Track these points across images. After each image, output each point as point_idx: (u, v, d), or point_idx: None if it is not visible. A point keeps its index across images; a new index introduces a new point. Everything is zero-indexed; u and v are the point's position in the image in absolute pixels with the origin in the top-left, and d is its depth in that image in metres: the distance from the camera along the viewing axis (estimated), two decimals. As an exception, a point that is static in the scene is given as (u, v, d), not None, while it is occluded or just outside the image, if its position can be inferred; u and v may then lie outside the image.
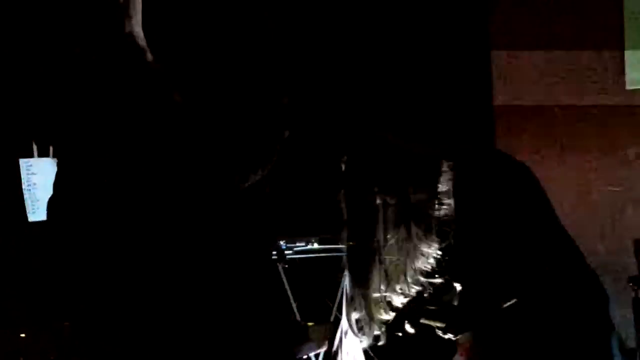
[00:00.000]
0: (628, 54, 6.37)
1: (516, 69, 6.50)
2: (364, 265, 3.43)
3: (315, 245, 5.48)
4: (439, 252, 3.34)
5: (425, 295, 3.39)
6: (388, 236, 3.33)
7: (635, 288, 5.89)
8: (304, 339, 5.22)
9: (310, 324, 5.29)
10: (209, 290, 3.07)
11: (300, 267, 5.55)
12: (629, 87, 6.37)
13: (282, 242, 5.51)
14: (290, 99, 3.15)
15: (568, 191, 6.35)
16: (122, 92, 2.81)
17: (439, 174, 3.31)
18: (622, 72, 6.40)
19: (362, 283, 3.50)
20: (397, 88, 6.23)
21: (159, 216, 2.93)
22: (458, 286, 3.40)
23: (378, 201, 3.32)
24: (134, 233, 2.91)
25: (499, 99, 6.54)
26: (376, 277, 3.46)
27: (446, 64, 6.32)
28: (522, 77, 6.55)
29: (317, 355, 5.32)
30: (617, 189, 6.37)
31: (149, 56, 2.76)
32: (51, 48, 2.85)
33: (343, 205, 3.45)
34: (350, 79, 6.18)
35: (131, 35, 2.74)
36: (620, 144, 6.44)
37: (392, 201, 3.31)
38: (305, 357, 5.24)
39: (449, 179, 3.35)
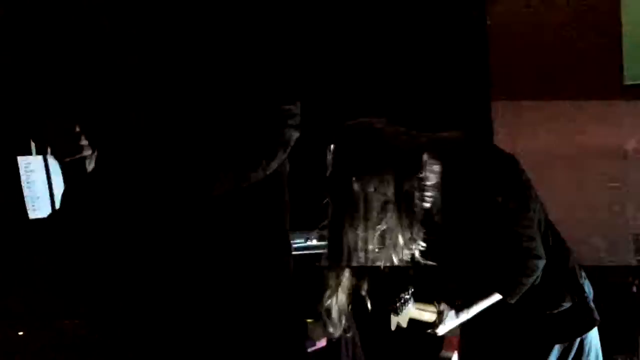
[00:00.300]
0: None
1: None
2: (342, 256, 3.44)
3: (314, 242, 5.49)
4: (424, 243, 3.36)
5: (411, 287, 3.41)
6: (371, 226, 3.34)
7: (637, 282, 5.91)
8: (302, 335, 5.23)
9: (309, 320, 5.30)
10: (212, 288, 3.09)
11: (299, 264, 5.57)
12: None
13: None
14: (300, 102, 3.18)
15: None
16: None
17: (424, 165, 3.33)
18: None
19: (338, 273, 3.52)
20: (391, 79, 6.24)
21: (160, 213, 2.95)
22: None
23: (362, 191, 3.33)
24: (139, 230, 2.93)
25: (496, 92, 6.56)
26: (354, 267, 3.48)
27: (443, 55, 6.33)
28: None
29: (316, 351, 5.33)
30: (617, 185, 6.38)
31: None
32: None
33: (328, 195, 3.46)
34: (344, 70, 6.19)
35: None
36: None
37: (376, 191, 3.32)
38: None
39: (436, 171, 3.37)
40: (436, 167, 3.35)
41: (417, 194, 3.32)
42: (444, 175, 3.37)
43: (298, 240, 5.47)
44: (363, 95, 6.20)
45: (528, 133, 6.51)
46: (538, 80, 6.55)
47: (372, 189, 3.32)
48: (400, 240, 3.33)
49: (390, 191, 3.32)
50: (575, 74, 6.47)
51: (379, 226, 3.34)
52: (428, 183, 3.33)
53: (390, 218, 3.34)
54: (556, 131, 6.50)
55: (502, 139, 6.32)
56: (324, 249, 3.64)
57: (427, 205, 3.35)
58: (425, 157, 3.35)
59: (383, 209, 3.34)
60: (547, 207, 3.75)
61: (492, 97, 6.57)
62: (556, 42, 6.49)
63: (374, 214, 3.34)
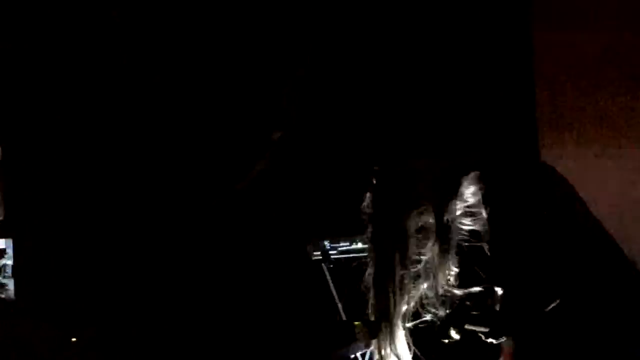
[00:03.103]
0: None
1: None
2: (387, 279, 3.42)
3: (360, 245, 5.45)
4: (473, 262, 3.32)
5: (467, 302, 3.36)
6: (415, 251, 3.32)
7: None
8: (350, 338, 5.18)
9: (356, 322, 5.25)
10: (249, 291, 3.06)
11: (345, 267, 5.56)
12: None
13: (326, 242, 5.52)
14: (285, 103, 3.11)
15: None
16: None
17: (467, 186, 3.29)
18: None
19: (384, 297, 3.49)
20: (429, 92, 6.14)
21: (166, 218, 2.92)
22: (499, 290, 3.37)
23: (402, 227, 3.32)
24: (139, 236, 2.90)
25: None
26: (397, 290, 3.44)
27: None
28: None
29: (363, 355, 5.28)
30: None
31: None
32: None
33: (369, 217, 3.45)
34: (379, 83, 6.11)
35: None
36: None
37: (422, 216, 3.30)
38: (352, 356, 5.21)
39: (479, 190, 3.32)
40: (474, 189, 3.32)
41: (458, 221, 3.29)
42: (485, 196, 3.34)
43: (343, 244, 5.46)
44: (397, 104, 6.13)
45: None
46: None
47: (412, 224, 3.31)
48: (445, 264, 3.32)
49: (430, 221, 3.31)
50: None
51: (426, 251, 3.33)
52: (469, 206, 3.31)
53: (431, 248, 3.33)
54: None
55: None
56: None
57: (471, 227, 3.32)
58: (471, 177, 3.32)
59: (424, 239, 3.33)
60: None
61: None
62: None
63: (415, 248, 3.33)
